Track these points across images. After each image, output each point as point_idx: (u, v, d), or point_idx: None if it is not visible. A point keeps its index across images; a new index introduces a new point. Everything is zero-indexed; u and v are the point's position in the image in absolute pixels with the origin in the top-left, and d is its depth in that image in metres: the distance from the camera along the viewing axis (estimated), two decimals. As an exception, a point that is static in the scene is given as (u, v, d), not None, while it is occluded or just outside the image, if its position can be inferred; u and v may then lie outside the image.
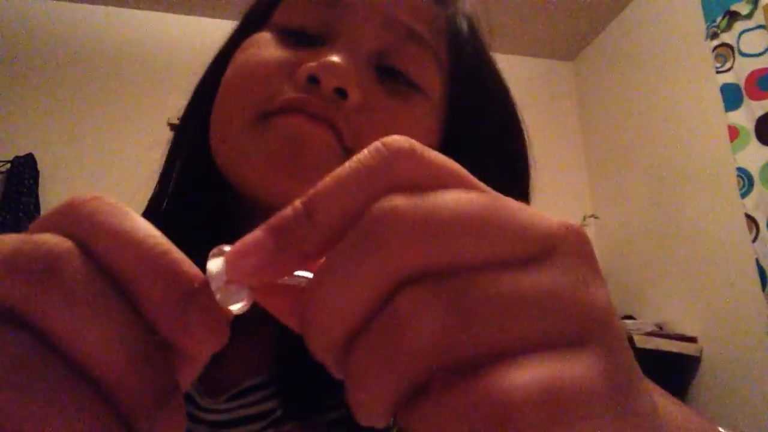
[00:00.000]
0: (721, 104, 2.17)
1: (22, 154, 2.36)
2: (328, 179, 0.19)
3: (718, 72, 2.20)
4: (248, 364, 0.43)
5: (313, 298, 0.18)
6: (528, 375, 0.16)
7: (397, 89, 0.44)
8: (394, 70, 0.44)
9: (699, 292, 2.32)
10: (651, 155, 2.63)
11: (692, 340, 2.27)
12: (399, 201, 0.18)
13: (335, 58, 0.40)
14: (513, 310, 0.17)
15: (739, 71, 2.12)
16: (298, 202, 0.19)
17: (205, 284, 0.19)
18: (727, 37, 2.19)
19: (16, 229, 2.20)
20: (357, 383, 0.18)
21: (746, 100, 2.08)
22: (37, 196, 2.33)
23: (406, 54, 0.44)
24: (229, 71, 0.44)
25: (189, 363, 0.21)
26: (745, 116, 2.08)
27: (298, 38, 0.44)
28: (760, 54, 2.07)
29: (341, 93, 0.40)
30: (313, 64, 0.40)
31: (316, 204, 0.19)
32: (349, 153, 0.40)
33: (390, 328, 0.17)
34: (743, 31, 2.13)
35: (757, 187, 2.00)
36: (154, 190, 0.48)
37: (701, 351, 2.26)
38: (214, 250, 0.20)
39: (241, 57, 0.44)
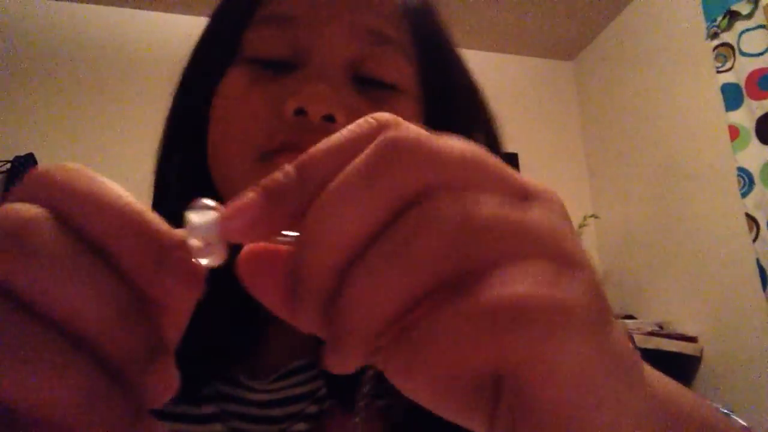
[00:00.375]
0: (721, 104, 2.17)
1: (22, 153, 2.36)
2: (319, 144, 0.20)
3: (718, 72, 2.20)
4: (294, 347, 0.45)
5: (318, 216, 0.19)
6: (532, 280, 0.17)
7: (379, 95, 0.45)
8: (370, 77, 0.45)
9: (699, 292, 2.32)
10: (651, 155, 2.63)
11: (693, 339, 2.27)
12: (403, 132, 0.19)
13: (315, 87, 0.41)
14: (512, 227, 0.18)
15: (740, 71, 2.12)
16: (289, 166, 0.20)
17: (180, 241, 0.20)
18: (727, 37, 2.18)
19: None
20: (353, 305, 0.18)
21: (747, 100, 2.08)
22: (37, 196, 2.34)
23: (377, 58, 0.45)
24: (217, 119, 0.45)
25: (172, 320, 0.21)
26: (745, 116, 2.08)
27: (272, 67, 0.44)
28: (761, 54, 2.07)
29: (329, 119, 0.41)
30: (296, 97, 0.41)
31: (306, 164, 0.20)
32: None
33: (401, 239, 0.18)
34: (744, 31, 2.13)
35: (758, 186, 2.00)
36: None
37: (702, 351, 2.26)
38: (195, 203, 0.21)
39: (225, 104, 0.45)
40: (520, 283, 0.17)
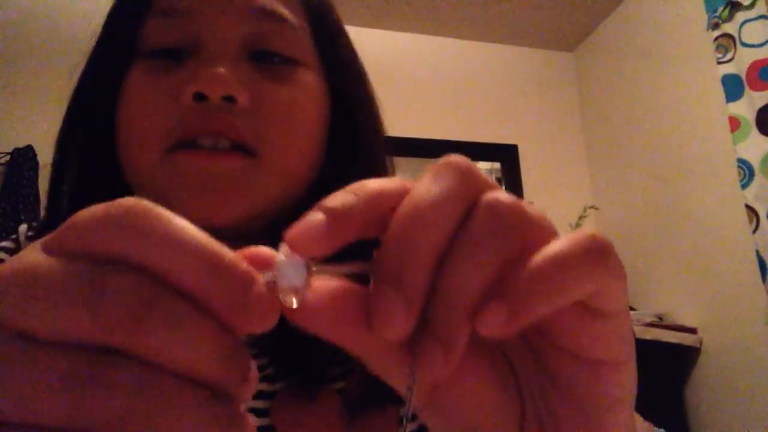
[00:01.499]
0: (722, 95, 2.17)
1: (21, 145, 2.35)
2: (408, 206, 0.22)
3: (719, 62, 2.19)
4: None
5: (409, 222, 0.21)
6: (568, 240, 0.22)
7: (277, 70, 0.46)
8: (266, 53, 0.46)
9: (699, 283, 2.33)
10: (652, 146, 2.63)
11: (692, 331, 2.28)
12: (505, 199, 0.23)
13: (210, 69, 0.42)
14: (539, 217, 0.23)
15: (741, 62, 2.11)
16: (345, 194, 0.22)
17: (269, 284, 0.21)
18: (728, 28, 2.18)
19: (16, 220, 2.20)
20: (457, 288, 0.21)
21: (747, 91, 2.07)
22: (36, 188, 2.33)
23: (272, 33, 0.46)
24: (122, 118, 0.46)
25: None
26: (746, 107, 2.08)
27: (169, 58, 0.45)
28: (762, 44, 2.06)
29: (229, 99, 0.42)
30: (192, 83, 0.41)
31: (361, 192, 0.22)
32: (256, 155, 0.43)
33: (484, 230, 0.21)
34: (745, 22, 2.12)
35: (758, 178, 2.00)
36: (48, 192, 0.50)
37: (701, 342, 2.27)
38: (282, 248, 0.22)
39: (127, 102, 0.45)
40: (575, 240, 0.22)
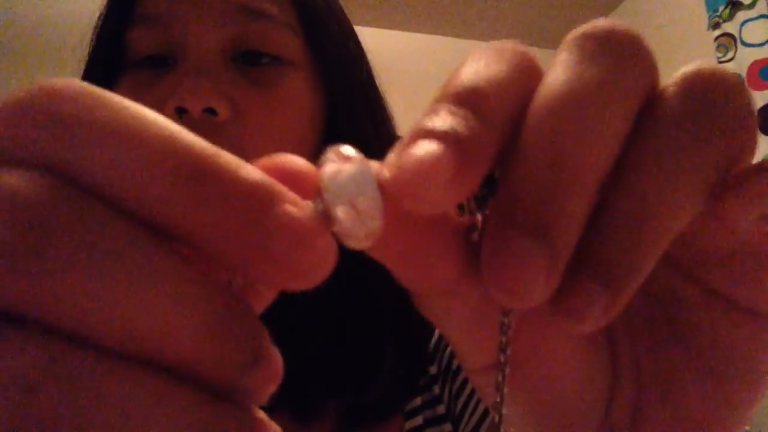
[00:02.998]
0: (722, 94, 2.16)
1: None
2: (467, 72, 0.16)
3: (719, 62, 2.19)
4: None
5: (565, 132, 0.15)
6: None
7: (264, 73, 0.44)
8: (253, 53, 0.44)
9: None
10: (652, 146, 2.63)
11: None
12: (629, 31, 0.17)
13: (190, 82, 0.40)
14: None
15: (741, 61, 2.11)
16: (452, 106, 0.15)
17: (311, 210, 0.14)
18: (729, 27, 2.17)
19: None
20: (645, 210, 0.15)
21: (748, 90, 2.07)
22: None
23: (256, 32, 0.44)
24: None
25: (260, 296, 0.16)
26: (746, 106, 2.07)
27: (153, 67, 0.44)
28: (762, 44, 2.06)
29: (211, 111, 0.41)
30: (174, 97, 0.40)
31: (482, 98, 0.15)
32: None
33: (682, 135, 0.16)
34: (745, 21, 2.12)
35: (758, 177, 2.00)
36: None
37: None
38: (330, 152, 0.14)
39: None
40: None
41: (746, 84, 1.98)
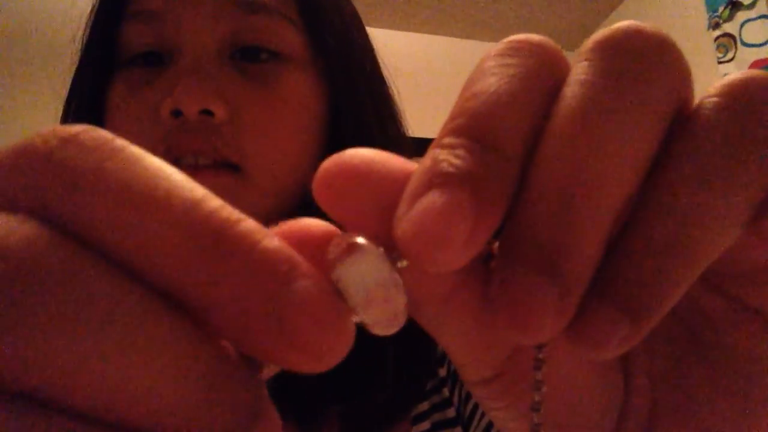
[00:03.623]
0: (722, 95, 2.16)
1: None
2: (477, 95, 0.14)
3: (719, 62, 2.19)
4: None
5: (577, 163, 0.13)
6: None
7: (263, 70, 0.43)
8: (252, 48, 0.43)
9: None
10: (652, 146, 2.63)
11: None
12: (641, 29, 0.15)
13: (185, 84, 0.39)
14: None
15: (741, 61, 2.10)
16: (455, 139, 0.14)
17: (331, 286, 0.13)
18: (729, 27, 2.17)
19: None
20: (672, 241, 0.13)
21: (748, 91, 2.07)
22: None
23: (253, 26, 0.43)
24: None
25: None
26: (746, 107, 2.07)
27: (149, 65, 0.43)
28: (763, 44, 2.06)
29: (207, 112, 0.40)
30: (169, 99, 0.39)
31: (495, 132, 0.14)
32: (240, 171, 0.40)
33: (715, 156, 0.14)
34: (745, 21, 2.12)
35: (758, 177, 2.00)
36: None
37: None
38: (339, 242, 0.13)
39: (111, 119, 0.43)
40: None
41: None
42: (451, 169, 0.13)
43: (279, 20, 0.43)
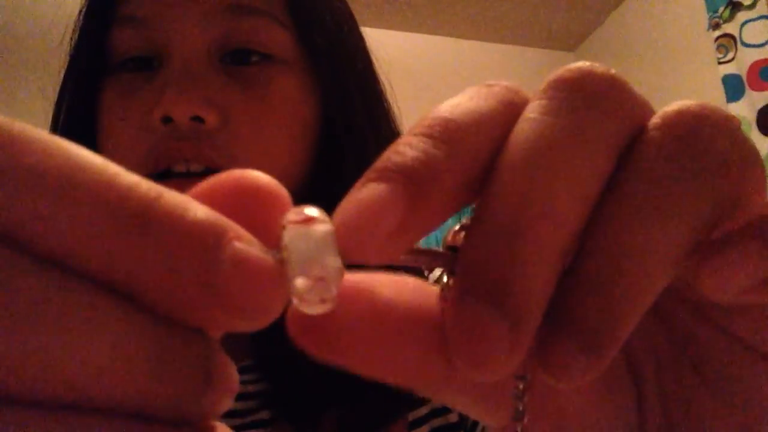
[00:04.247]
0: (722, 95, 2.16)
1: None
2: (451, 106, 0.15)
3: (719, 63, 2.19)
4: (236, 349, 0.43)
5: (529, 192, 0.13)
6: None
7: (253, 74, 0.43)
8: (243, 51, 0.43)
9: (699, 284, 2.32)
10: (652, 146, 2.63)
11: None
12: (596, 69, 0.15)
13: (175, 90, 0.39)
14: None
15: (741, 62, 2.11)
16: (416, 136, 0.14)
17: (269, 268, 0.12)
18: (729, 28, 2.17)
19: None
20: (622, 269, 0.14)
21: (748, 91, 2.07)
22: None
23: (243, 29, 0.43)
24: (101, 142, 0.43)
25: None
26: (746, 107, 2.07)
27: (140, 66, 0.43)
28: (763, 45, 2.06)
29: (198, 118, 0.40)
30: (159, 106, 0.39)
31: (451, 129, 0.14)
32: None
33: (661, 187, 0.14)
34: (746, 22, 2.12)
35: (758, 178, 2.00)
36: None
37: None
38: (291, 213, 0.13)
39: (103, 126, 0.43)
40: None
41: (750, 127, 1.97)
42: (389, 161, 0.13)
43: (268, 22, 0.43)
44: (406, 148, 0.14)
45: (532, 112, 0.15)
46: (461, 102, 0.15)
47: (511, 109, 0.15)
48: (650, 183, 0.14)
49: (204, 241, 0.12)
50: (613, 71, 0.15)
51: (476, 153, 0.14)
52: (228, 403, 0.13)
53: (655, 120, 0.15)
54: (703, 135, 0.15)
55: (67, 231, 0.11)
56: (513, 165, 0.14)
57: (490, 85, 0.16)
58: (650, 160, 0.15)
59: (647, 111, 0.16)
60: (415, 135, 0.14)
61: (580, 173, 0.14)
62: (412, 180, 0.13)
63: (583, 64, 0.15)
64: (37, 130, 0.12)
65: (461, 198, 0.14)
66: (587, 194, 0.14)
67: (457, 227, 0.15)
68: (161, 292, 0.12)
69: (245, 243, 0.12)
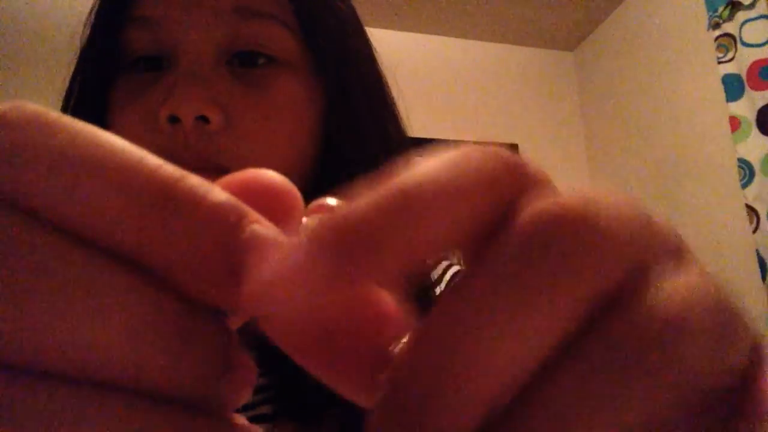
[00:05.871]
0: (722, 95, 2.16)
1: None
2: (415, 173, 0.12)
3: (719, 62, 2.19)
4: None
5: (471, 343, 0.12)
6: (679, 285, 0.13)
7: (259, 75, 0.43)
8: (249, 53, 0.43)
9: (699, 283, 2.32)
10: (652, 146, 2.63)
11: (692, 330, 2.27)
12: (554, 201, 0.13)
13: (181, 90, 0.40)
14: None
15: (741, 61, 2.11)
16: (362, 201, 0.12)
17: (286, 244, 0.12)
18: (729, 27, 2.17)
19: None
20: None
21: (748, 91, 2.07)
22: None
23: (250, 32, 0.43)
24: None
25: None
26: (746, 107, 2.07)
27: (148, 70, 0.44)
28: (763, 44, 2.06)
29: (203, 118, 0.40)
30: (165, 106, 0.40)
31: (399, 203, 0.12)
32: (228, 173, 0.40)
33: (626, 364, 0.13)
34: (745, 21, 2.12)
35: (758, 177, 2.00)
36: None
37: (701, 341, 2.26)
38: (314, 205, 0.14)
39: (112, 125, 0.44)
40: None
41: (750, 127, 1.95)
42: (329, 223, 0.12)
43: (275, 25, 0.44)
44: (353, 209, 0.12)
45: (489, 261, 0.13)
46: (436, 171, 0.13)
47: (493, 192, 0.13)
48: (599, 363, 0.13)
49: (225, 219, 0.12)
50: (587, 213, 0.14)
51: (433, 235, 0.13)
52: (246, 395, 0.13)
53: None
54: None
55: (96, 209, 0.12)
56: (449, 309, 0.12)
57: (482, 151, 0.14)
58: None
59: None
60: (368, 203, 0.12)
61: (518, 335, 0.12)
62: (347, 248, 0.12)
63: (555, 209, 0.14)
64: (68, 118, 0.13)
65: (402, 273, 0.13)
66: (524, 357, 0.12)
67: None
68: (182, 267, 0.12)
69: (263, 225, 0.13)
